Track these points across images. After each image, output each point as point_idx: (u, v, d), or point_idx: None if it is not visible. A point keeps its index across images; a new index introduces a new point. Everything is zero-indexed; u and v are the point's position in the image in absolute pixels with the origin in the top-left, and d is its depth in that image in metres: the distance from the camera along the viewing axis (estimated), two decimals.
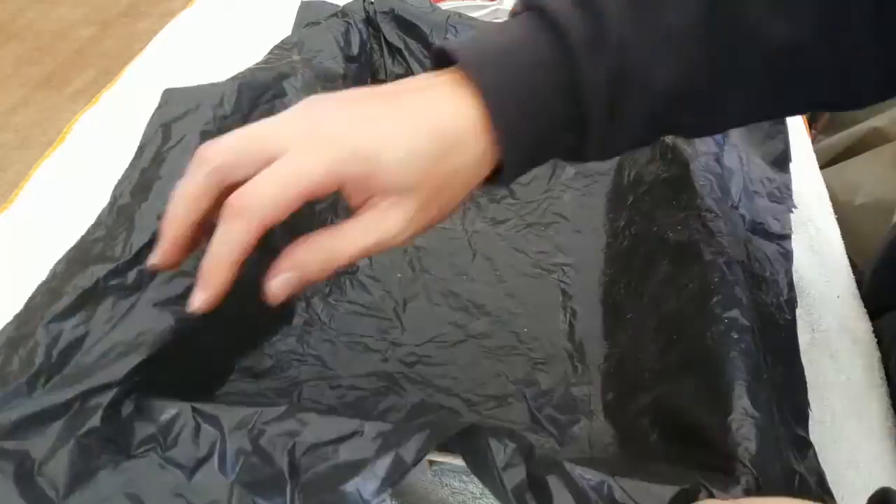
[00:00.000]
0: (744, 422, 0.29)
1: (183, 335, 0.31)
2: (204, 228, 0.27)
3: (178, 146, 0.38)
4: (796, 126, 0.57)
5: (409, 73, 0.56)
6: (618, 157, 0.50)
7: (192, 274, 0.27)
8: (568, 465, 0.26)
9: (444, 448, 0.29)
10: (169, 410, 0.27)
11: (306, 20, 0.56)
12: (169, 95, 0.42)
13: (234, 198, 0.25)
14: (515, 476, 0.25)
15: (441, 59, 0.29)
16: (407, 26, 0.56)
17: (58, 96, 1.79)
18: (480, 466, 0.27)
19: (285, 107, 0.43)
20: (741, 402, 0.29)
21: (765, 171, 0.46)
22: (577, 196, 0.51)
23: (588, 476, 0.25)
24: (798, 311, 0.38)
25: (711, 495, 0.25)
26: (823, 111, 0.80)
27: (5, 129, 1.68)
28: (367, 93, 0.28)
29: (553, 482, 0.25)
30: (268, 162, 0.25)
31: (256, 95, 0.43)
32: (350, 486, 0.25)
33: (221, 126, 0.40)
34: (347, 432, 0.26)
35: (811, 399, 0.34)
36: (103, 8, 2.13)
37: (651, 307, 0.39)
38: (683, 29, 0.28)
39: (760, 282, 0.38)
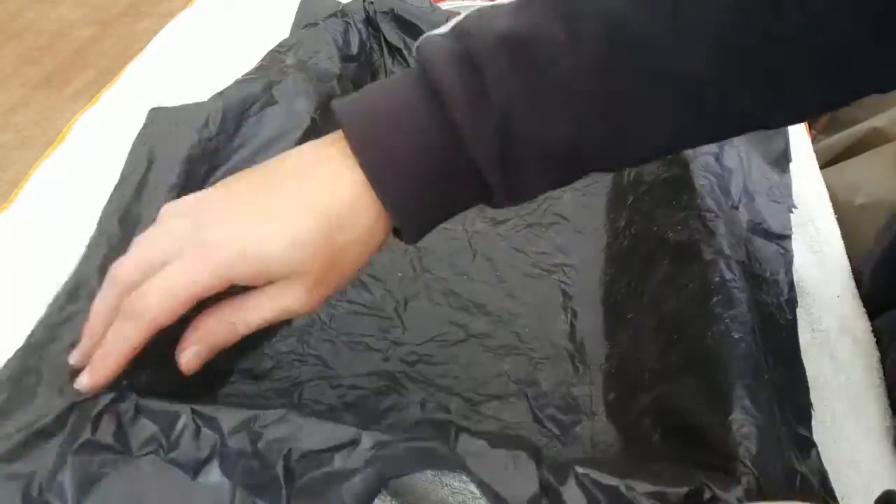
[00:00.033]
0: (744, 422, 0.29)
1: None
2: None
3: (161, 174, 0.40)
4: (796, 126, 0.57)
5: None
6: None
7: None
8: (580, 470, 0.26)
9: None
10: (169, 412, 0.27)
11: (305, 20, 0.56)
12: (154, 115, 0.43)
13: (127, 302, 0.28)
14: (529, 487, 0.25)
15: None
16: (407, 26, 0.56)
17: (58, 96, 1.79)
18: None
19: (276, 115, 0.44)
20: (742, 402, 0.29)
21: (765, 171, 0.46)
22: (577, 196, 0.51)
23: (602, 480, 0.25)
24: (798, 311, 0.38)
25: (714, 495, 0.25)
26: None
27: (5, 129, 1.68)
28: (257, 183, 0.29)
29: (567, 491, 0.25)
30: (162, 266, 0.27)
31: (242, 111, 0.44)
32: (338, 494, 0.25)
33: (206, 148, 0.41)
34: (346, 440, 0.27)
35: (810, 399, 0.34)
36: (103, 8, 2.13)
37: (651, 307, 0.39)
38: (575, 76, 0.27)
39: (760, 282, 0.38)
